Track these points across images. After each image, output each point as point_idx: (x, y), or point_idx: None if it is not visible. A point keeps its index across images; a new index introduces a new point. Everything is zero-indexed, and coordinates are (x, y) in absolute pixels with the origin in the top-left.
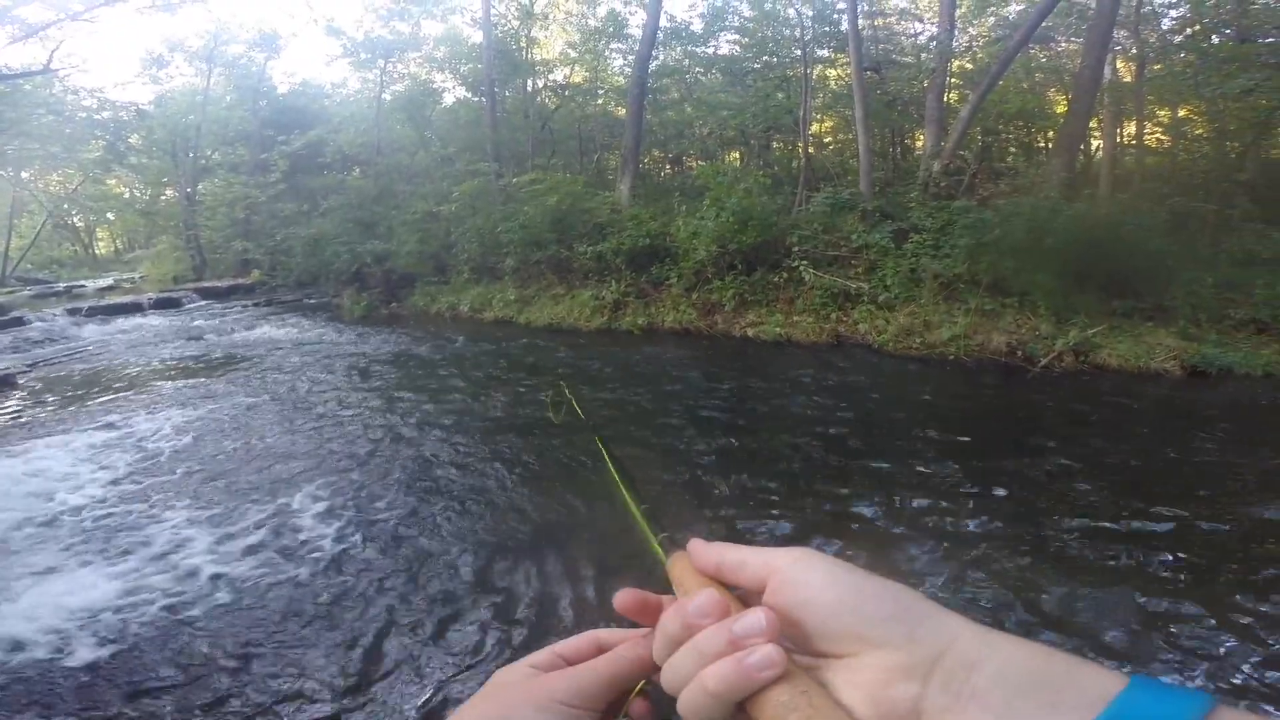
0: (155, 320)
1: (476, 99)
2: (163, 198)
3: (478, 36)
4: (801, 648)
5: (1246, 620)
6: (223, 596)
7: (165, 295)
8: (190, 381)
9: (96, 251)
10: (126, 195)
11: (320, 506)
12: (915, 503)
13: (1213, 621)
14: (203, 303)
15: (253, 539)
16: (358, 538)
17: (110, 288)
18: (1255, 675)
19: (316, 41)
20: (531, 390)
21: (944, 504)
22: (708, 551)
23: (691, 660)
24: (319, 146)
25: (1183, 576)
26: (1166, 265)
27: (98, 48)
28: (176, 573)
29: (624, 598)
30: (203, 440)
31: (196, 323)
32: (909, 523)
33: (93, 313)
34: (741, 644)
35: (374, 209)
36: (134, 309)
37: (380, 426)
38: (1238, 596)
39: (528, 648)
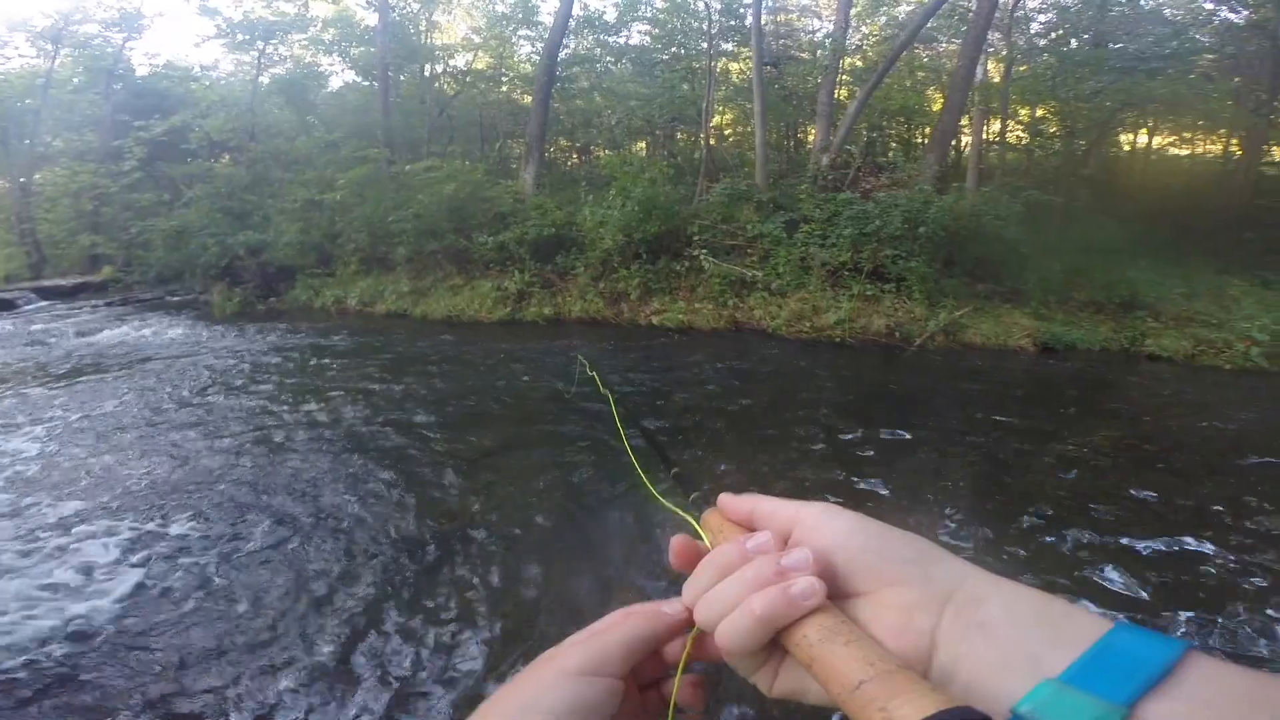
0: None
1: (367, 83)
2: None
3: (372, 19)
4: (828, 588)
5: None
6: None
7: None
8: (26, 393)
9: None
10: None
11: (178, 531)
12: (806, 469)
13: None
14: (43, 303)
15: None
16: (220, 568)
17: None
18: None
19: (187, 21)
20: (422, 387)
21: (833, 468)
22: (740, 503)
23: (739, 587)
24: (183, 132)
25: (1019, 518)
26: (1020, 252)
27: None
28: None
29: (678, 543)
30: (38, 461)
31: (35, 326)
32: (801, 485)
33: None
34: (788, 574)
35: (246, 198)
36: None
37: (252, 435)
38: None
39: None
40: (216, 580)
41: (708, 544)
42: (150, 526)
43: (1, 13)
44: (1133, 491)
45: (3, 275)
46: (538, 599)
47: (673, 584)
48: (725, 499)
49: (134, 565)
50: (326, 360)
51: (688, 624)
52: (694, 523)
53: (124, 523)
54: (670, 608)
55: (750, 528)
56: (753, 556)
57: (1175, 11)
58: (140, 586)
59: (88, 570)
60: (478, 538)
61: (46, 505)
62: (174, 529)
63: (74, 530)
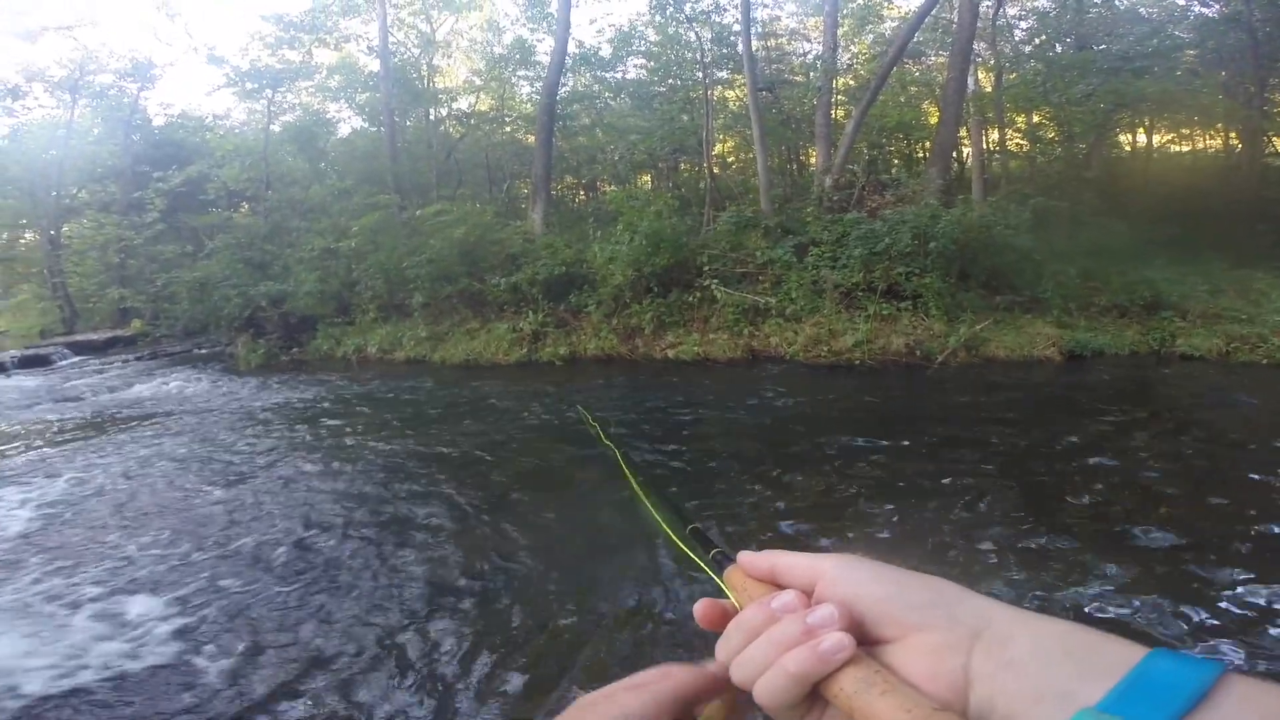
0: (21, 381)
1: (375, 129)
2: (21, 241)
3: (375, 65)
4: (855, 638)
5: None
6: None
7: (31, 352)
8: (63, 449)
9: None
10: None
11: (223, 586)
12: (836, 503)
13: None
14: (76, 359)
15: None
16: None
17: None
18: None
19: (197, 71)
20: (450, 434)
21: (865, 502)
22: (761, 560)
23: (769, 649)
24: (200, 182)
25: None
26: (1034, 260)
27: None
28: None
29: (703, 607)
30: (80, 515)
31: (71, 382)
32: (832, 521)
33: None
34: (816, 632)
35: (266, 248)
36: None
37: (287, 490)
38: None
39: None
40: (242, 621)
41: (734, 602)
42: (183, 566)
43: (20, 63)
44: (1186, 504)
45: (38, 330)
46: (562, 642)
47: (699, 636)
48: (745, 557)
49: (171, 611)
50: (350, 410)
51: (726, 684)
52: (718, 580)
53: (162, 565)
54: (713, 666)
55: (773, 583)
56: (780, 616)
57: (1151, 10)
58: (181, 629)
59: (122, 619)
60: (502, 579)
61: (84, 557)
62: (196, 567)
63: (109, 581)
